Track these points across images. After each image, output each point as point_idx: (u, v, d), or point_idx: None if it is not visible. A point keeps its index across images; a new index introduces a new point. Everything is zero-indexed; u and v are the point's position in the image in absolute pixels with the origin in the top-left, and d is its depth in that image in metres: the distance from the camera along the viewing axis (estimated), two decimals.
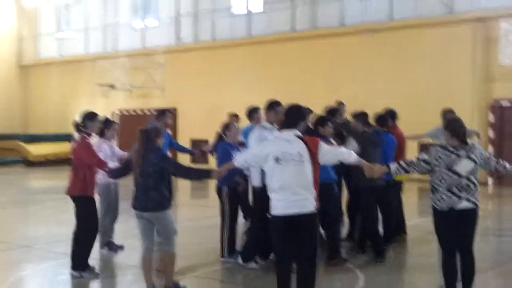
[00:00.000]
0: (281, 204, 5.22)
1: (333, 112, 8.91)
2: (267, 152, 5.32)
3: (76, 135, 7.29)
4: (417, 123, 14.65)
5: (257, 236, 7.19)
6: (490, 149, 15.61)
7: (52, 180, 18.27)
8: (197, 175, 6.28)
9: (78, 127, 7.29)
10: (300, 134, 5.38)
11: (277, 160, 5.21)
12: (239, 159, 5.65)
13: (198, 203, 14.83)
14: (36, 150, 24.12)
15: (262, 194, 6.76)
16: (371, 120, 8.32)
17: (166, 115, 9.04)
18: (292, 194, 5.17)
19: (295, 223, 5.20)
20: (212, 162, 8.08)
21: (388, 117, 8.69)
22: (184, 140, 18.26)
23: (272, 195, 5.29)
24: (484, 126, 16.15)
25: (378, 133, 8.11)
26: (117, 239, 8.54)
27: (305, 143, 5.27)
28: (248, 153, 5.73)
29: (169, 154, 8.04)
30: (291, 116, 5.48)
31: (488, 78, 16.52)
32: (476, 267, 5.71)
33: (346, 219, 8.86)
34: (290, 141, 5.27)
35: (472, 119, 15.56)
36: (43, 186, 18.59)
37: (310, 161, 5.23)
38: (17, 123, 28.36)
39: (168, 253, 6.19)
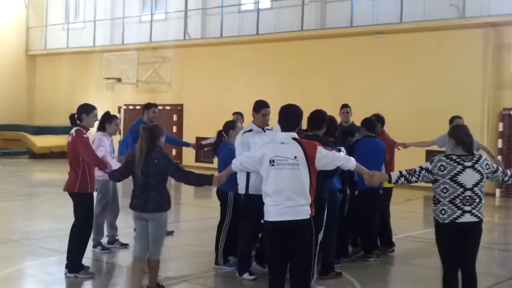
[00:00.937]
0: (273, 210, 4.97)
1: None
2: (261, 154, 5.07)
3: (73, 129, 7.00)
4: (423, 129, 14.49)
5: (246, 245, 6.91)
6: (499, 159, 15.24)
7: (54, 173, 18.04)
8: (197, 180, 5.99)
9: (73, 120, 7.02)
10: (297, 136, 5.12)
11: (271, 163, 4.97)
12: (236, 163, 5.40)
13: (200, 204, 14.59)
14: (41, 142, 23.85)
15: (248, 201, 6.59)
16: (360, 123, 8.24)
17: (151, 108, 8.86)
18: (285, 199, 4.92)
19: (287, 230, 4.94)
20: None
21: (376, 122, 8.33)
22: (189, 137, 17.93)
23: (265, 200, 5.04)
24: (493, 135, 15.83)
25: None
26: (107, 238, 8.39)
27: (302, 146, 5.02)
28: (244, 156, 5.41)
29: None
30: (288, 118, 5.16)
31: (498, 86, 16.19)
32: (478, 283, 5.44)
33: None
34: (286, 144, 5.01)
35: (482, 127, 15.28)
36: (44, 179, 18.39)
37: (307, 166, 4.97)
38: (23, 113, 28.05)
39: (152, 259, 5.98)
